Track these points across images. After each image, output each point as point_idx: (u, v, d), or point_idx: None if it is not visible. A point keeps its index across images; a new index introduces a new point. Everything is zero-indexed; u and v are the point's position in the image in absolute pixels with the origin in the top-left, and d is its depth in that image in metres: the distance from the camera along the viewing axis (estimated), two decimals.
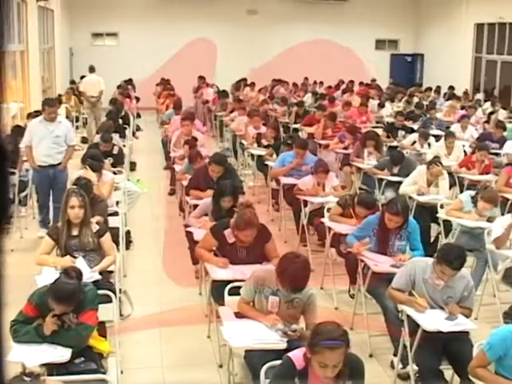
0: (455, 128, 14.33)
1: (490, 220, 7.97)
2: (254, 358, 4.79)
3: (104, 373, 4.83)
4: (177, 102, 16.23)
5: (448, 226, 8.51)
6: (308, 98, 20.44)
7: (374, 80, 25.28)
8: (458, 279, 5.46)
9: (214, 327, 6.30)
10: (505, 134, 13.86)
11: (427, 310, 5.39)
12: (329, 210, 8.13)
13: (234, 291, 5.54)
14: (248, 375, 5.01)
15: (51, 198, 9.59)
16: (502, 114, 18.32)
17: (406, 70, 29.33)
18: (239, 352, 5.14)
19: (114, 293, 5.78)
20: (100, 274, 5.99)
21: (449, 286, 5.45)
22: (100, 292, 5.22)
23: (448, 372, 5.38)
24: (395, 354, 5.95)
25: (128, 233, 9.24)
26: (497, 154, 12.84)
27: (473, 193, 8.34)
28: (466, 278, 5.55)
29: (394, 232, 6.65)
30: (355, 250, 6.70)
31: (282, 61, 26.18)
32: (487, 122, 16.98)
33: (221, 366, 6.06)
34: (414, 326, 5.35)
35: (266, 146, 12.17)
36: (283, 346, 4.79)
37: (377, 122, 16.76)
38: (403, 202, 6.70)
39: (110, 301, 5.45)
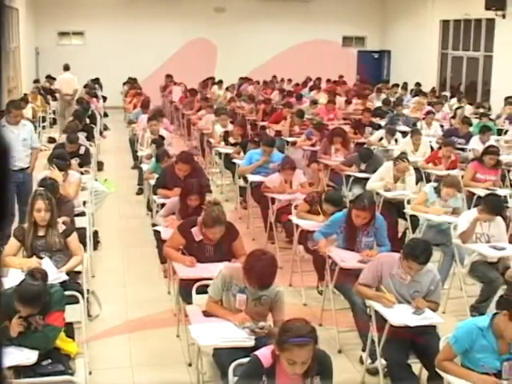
0: (421, 124, 14.46)
1: (455, 212, 8.07)
2: (222, 356, 4.79)
3: (72, 374, 4.80)
4: (144, 101, 16.17)
5: (415, 221, 8.57)
6: (275, 96, 20.46)
7: (341, 77, 25.35)
8: (425, 273, 5.50)
9: (183, 326, 6.28)
10: (471, 129, 13.98)
11: (395, 305, 5.43)
12: (296, 207, 8.15)
13: (202, 290, 5.53)
14: (217, 373, 5.01)
15: (17, 200, 9.40)
16: (468, 110, 18.48)
17: (373, 66, 29.44)
18: (208, 350, 5.12)
19: (82, 293, 5.73)
20: (67, 274, 5.95)
21: (415, 281, 5.49)
22: (67, 293, 5.18)
23: (416, 366, 5.42)
24: (364, 350, 5.98)
25: (96, 233, 9.19)
26: (463, 150, 12.95)
27: (435, 184, 8.45)
28: (433, 272, 5.59)
29: (361, 228, 6.68)
30: (321, 248, 6.72)
31: (249, 59, 26.15)
32: (453, 117, 17.12)
33: (190, 365, 6.04)
34: (382, 320, 5.38)
35: (234, 144, 12.16)
36: (251, 343, 4.80)
37: (344, 119, 16.82)
38: (370, 197, 6.74)
39: (78, 301, 5.42)
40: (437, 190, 8.27)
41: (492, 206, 7.08)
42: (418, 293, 5.50)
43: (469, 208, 9.09)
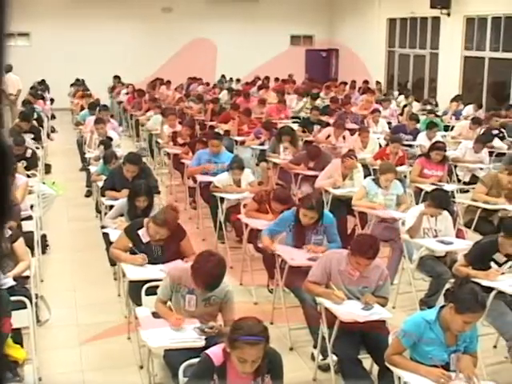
0: (367, 121, 14.59)
1: (399, 199, 8.18)
2: (173, 358, 4.77)
3: (20, 381, 4.74)
4: (92, 103, 16.02)
5: (364, 217, 8.64)
6: (224, 95, 20.44)
7: (290, 76, 25.42)
8: (373, 269, 5.55)
9: (134, 329, 6.24)
10: (418, 125, 14.17)
11: (344, 302, 5.46)
12: (245, 206, 8.16)
13: (152, 291, 5.50)
14: (168, 375, 4.99)
15: None
16: (415, 107, 18.72)
17: (322, 65, 29.60)
18: (159, 352, 5.09)
19: (30, 298, 5.65)
20: (15, 279, 5.86)
21: (364, 277, 5.53)
22: (14, 298, 5.11)
23: (367, 361, 5.45)
24: (315, 346, 6.00)
25: (44, 236, 9.07)
26: (410, 146, 13.09)
27: (373, 176, 8.57)
28: (381, 268, 5.64)
29: (310, 227, 6.68)
30: (267, 247, 6.71)
31: (197, 59, 26.10)
32: (401, 114, 17.30)
33: (141, 367, 5.99)
34: (332, 317, 5.40)
35: (182, 145, 12.11)
36: (201, 343, 4.78)
37: (292, 117, 16.87)
38: (317, 197, 6.75)
39: (26, 307, 5.34)
40: (376, 181, 8.37)
41: (438, 200, 7.17)
42: (366, 288, 5.54)
43: (417, 204, 9.20)
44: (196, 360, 4.27)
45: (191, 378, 4.22)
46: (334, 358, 5.49)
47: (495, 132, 13.90)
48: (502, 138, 13.84)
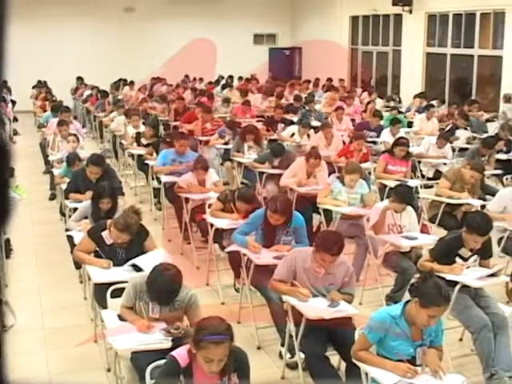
0: (332, 119, 14.65)
1: (363, 199, 8.22)
2: (140, 360, 4.75)
3: None
4: (54, 105, 15.89)
5: (329, 214, 8.65)
6: (188, 95, 20.39)
7: (253, 75, 25.44)
8: (338, 266, 5.56)
9: (100, 331, 6.20)
10: (381, 122, 14.24)
11: (310, 299, 5.46)
12: (210, 206, 8.14)
13: (117, 293, 5.47)
14: (135, 377, 4.95)
15: None
16: (378, 104, 18.83)
17: (285, 63, 29.65)
18: (125, 354, 5.07)
19: None
20: None
21: (329, 273, 5.55)
22: None
23: (335, 357, 5.47)
24: (282, 344, 6.00)
25: (8, 241, 8.97)
26: (374, 143, 13.17)
27: (338, 174, 8.60)
28: (346, 265, 5.66)
29: (281, 227, 6.65)
30: (252, 248, 6.60)
31: (161, 58, 26.01)
32: (365, 111, 17.39)
33: (109, 370, 5.94)
34: (299, 315, 5.41)
35: (146, 145, 12.05)
36: (168, 345, 4.76)
37: (257, 116, 16.87)
38: (284, 200, 6.66)
39: None
40: (340, 179, 8.41)
41: (401, 196, 7.22)
42: (332, 285, 5.55)
43: (382, 200, 9.25)
44: (162, 362, 4.25)
45: (158, 379, 4.20)
46: (302, 355, 5.50)
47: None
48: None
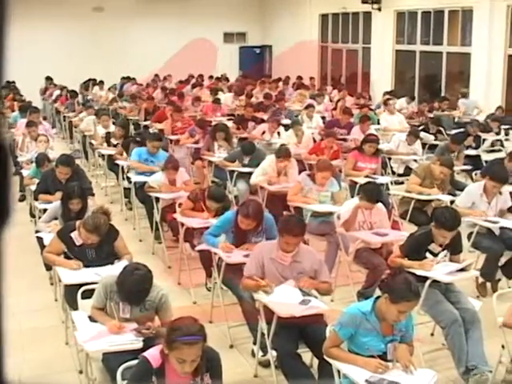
0: (303, 117, 14.68)
1: (334, 197, 8.24)
2: (111, 361, 4.72)
3: None
4: (23, 105, 15.76)
5: (299, 212, 8.65)
6: (158, 94, 20.32)
7: (222, 75, 25.38)
8: (305, 254, 5.61)
9: (72, 333, 6.16)
10: (352, 119, 14.29)
11: (277, 288, 5.46)
12: (180, 205, 8.12)
13: (88, 294, 5.44)
14: (107, 379, 4.92)
15: None
16: (349, 101, 18.87)
17: (255, 61, 29.64)
18: (97, 356, 5.04)
19: None
20: None
21: (296, 261, 5.57)
22: None
23: (308, 354, 5.49)
24: (255, 343, 6.00)
25: None
26: (345, 140, 13.20)
27: (308, 172, 8.62)
28: (312, 252, 5.71)
29: (251, 230, 6.65)
30: (225, 249, 6.58)
31: (130, 58, 25.88)
32: (335, 109, 17.44)
33: (81, 372, 5.90)
34: (270, 313, 5.40)
35: (116, 145, 12.00)
36: (139, 345, 4.74)
37: (228, 115, 16.85)
38: (255, 205, 6.63)
39: None
40: (311, 177, 8.42)
41: (370, 193, 7.24)
42: (301, 274, 5.56)
43: (352, 197, 9.28)
44: (134, 362, 4.23)
45: (130, 381, 4.18)
46: (274, 353, 5.50)
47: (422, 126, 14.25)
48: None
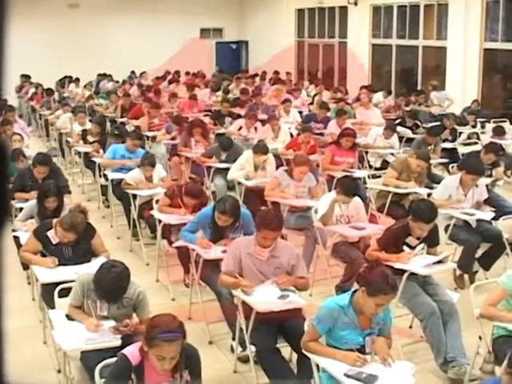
0: (280, 112, 14.68)
1: (311, 191, 8.25)
2: (90, 359, 4.69)
3: None
4: None
5: (277, 207, 8.64)
6: (134, 91, 20.25)
7: (199, 72, 25.33)
8: (282, 248, 5.61)
9: (49, 332, 6.12)
10: (328, 114, 14.32)
11: (257, 288, 5.45)
12: (157, 201, 8.09)
13: (65, 293, 5.41)
14: (86, 377, 4.90)
15: None
16: (325, 95, 18.91)
17: (232, 57, 29.65)
18: (75, 354, 5.01)
19: None
20: None
21: (274, 256, 5.56)
22: None
23: (287, 349, 5.48)
24: (234, 339, 6.00)
25: None
26: (322, 134, 13.22)
27: (286, 167, 8.62)
28: (290, 247, 5.70)
29: (229, 226, 6.63)
30: (202, 246, 6.55)
31: (107, 54, 25.76)
32: (312, 103, 17.46)
33: (59, 372, 5.88)
34: (249, 309, 5.40)
35: (93, 143, 11.93)
36: (117, 343, 4.72)
37: (204, 110, 16.81)
38: (232, 201, 6.61)
39: None
40: (288, 172, 8.42)
41: (347, 187, 7.26)
42: (279, 269, 5.56)
43: (330, 191, 9.28)
44: (112, 360, 4.21)
45: (108, 379, 4.16)
46: (253, 348, 5.50)
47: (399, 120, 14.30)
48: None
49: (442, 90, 17.98)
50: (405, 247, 6.18)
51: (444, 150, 12.07)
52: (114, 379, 4.07)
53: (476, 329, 5.28)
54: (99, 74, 24.31)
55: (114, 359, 4.18)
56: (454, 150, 12.62)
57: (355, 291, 4.60)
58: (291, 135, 12.62)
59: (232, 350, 6.14)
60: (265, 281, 5.53)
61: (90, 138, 12.16)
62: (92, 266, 5.65)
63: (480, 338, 5.24)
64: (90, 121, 13.43)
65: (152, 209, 8.14)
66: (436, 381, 5.74)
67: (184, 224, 7.03)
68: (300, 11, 25.83)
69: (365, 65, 22.26)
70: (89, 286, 5.08)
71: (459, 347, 5.70)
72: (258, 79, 23.04)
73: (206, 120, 13.63)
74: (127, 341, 4.63)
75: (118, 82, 23.27)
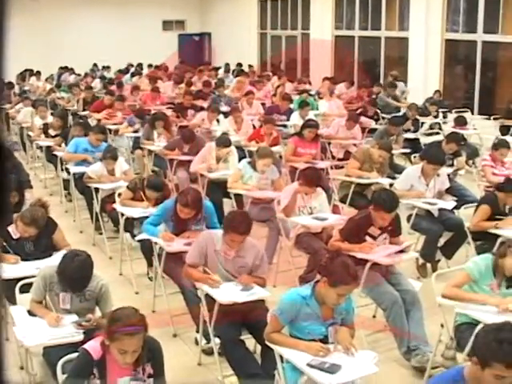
0: (242, 104, 14.66)
1: (274, 183, 8.26)
2: (52, 355, 4.68)
3: None
4: None
5: (240, 199, 8.64)
6: (96, 84, 20.08)
7: (163, 63, 25.19)
8: (249, 249, 5.59)
9: (11, 328, 6.05)
10: (291, 105, 14.33)
11: (222, 285, 5.46)
12: (120, 195, 8.04)
13: (26, 288, 5.37)
14: (48, 373, 4.88)
15: None
16: (288, 87, 18.89)
17: (195, 49, 29.55)
18: (37, 350, 4.97)
19: None
20: None
21: (240, 256, 5.57)
22: None
23: (252, 341, 5.50)
24: (198, 331, 5.99)
25: None
26: (285, 126, 13.23)
27: (249, 159, 8.63)
28: (257, 248, 5.68)
29: (191, 218, 6.62)
30: (165, 238, 6.52)
31: (68, 47, 25.53)
32: (274, 95, 17.45)
33: (22, 368, 5.82)
34: (212, 301, 5.39)
35: (54, 136, 11.81)
36: (79, 337, 4.69)
37: (167, 103, 16.72)
38: (194, 193, 6.58)
39: None
40: (251, 164, 8.42)
41: (309, 178, 7.27)
42: (243, 268, 5.56)
43: (292, 182, 9.30)
44: (75, 355, 4.18)
45: (70, 374, 4.12)
46: (217, 340, 5.50)
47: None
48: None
49: (400, 80, 18.08)
50: (367, 237, 6.22)
51: (406, 140, 12.16)
52: (76, 375, 4.05)
53: (438, 317, 5.33)
54: (61, 67, 24.09)
55: (76, 354, 4.15)
56: (416, 140, 12.70)
57: (317, 282, 4.61)
58: (254, 127, 12.60)
59: (196, 342, 6.14)
60: (229, 278, 5.54)
61: (52, 132, 12.04)
62: (54, 261, 5.61)
63: (442, 325, 5.29)
64: (51, 114, 13.30)
65: (114, 202, 8.09)
66: (399, 369, 5.79)
67: (147, 217, 6.99)
68: (263, 3, 25.81)
69: (327, 56, 22.29)
70: (51, 279, 5.05)
71: (422, 335, 5.76)
72: (221, 71, 22.97)
73: (169, 113, 13.55)
74: (90, 335, 4.59)
75: (79, 75, 23.07)
